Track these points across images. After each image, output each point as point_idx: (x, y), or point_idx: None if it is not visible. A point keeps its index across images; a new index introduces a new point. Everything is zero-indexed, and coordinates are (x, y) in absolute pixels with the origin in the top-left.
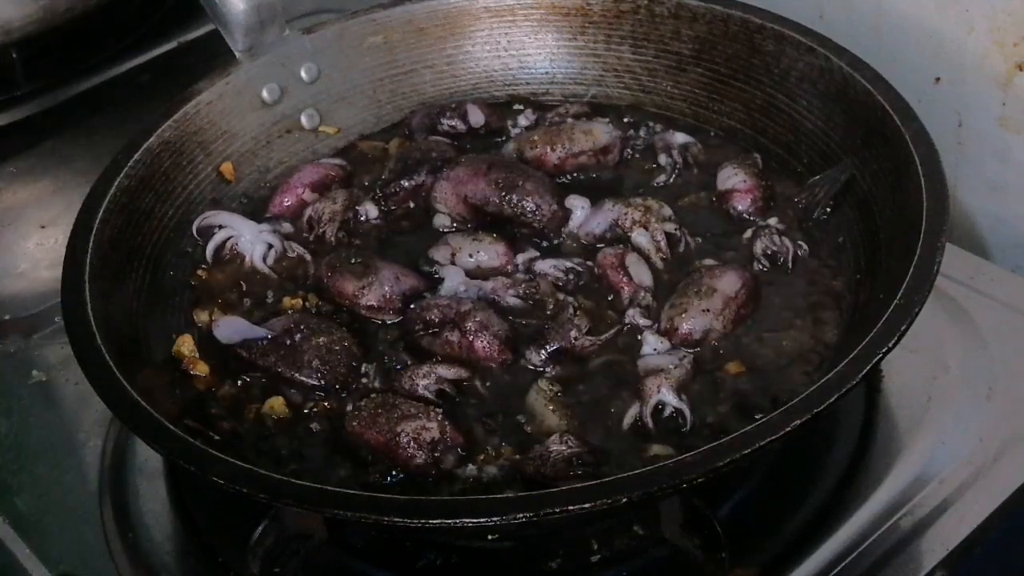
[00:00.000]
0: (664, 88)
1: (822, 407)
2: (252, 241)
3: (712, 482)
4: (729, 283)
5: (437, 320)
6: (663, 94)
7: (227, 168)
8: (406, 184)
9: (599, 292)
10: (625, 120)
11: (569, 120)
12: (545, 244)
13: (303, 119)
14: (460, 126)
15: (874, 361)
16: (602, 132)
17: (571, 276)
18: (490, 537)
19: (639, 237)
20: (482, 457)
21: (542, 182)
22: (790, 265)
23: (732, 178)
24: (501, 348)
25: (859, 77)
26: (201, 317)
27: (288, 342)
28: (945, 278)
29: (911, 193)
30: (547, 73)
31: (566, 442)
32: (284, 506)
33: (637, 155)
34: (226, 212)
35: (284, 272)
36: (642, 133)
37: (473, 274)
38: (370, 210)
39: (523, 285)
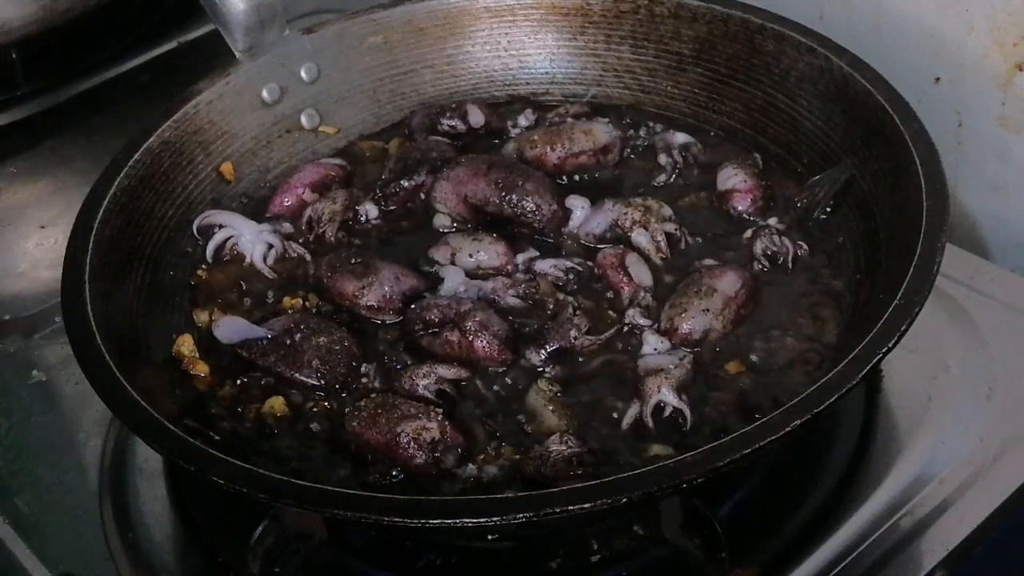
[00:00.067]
0: (664, 88)
1: (822, 407)
2: (252, 241)
3: (712, 482)
4: (729, 283)
5: (437, 320)
6: (663, 94)
7: (227, 168)
8: (406, 184)
9: (599, 292)
10: (625, 120)
11: (569, 120)
12: (545, 244)
13: (303, 119)
14: (460, 126)
15: (874, 361)
16: (602, 132)
17: (571, 276)
18: (490, 537)
19: (639, 237)
20: (482, 457)
21: (542, 182)
22: (790, 265)
23: (732, 178)
24: (501, 348)
25: (859, 77)
26: (201, 317)
27: (288, 342)
28: (945, 278)
29: (911, 193)
30: (547, 73)
31: (566, 442)
32: (284, 506)
33: (637, 155)
34: (226, 212)
35: (284, 272)
36: (642, 133)
37: (473, 274)
38: (370, 210)
39: (523, 285)
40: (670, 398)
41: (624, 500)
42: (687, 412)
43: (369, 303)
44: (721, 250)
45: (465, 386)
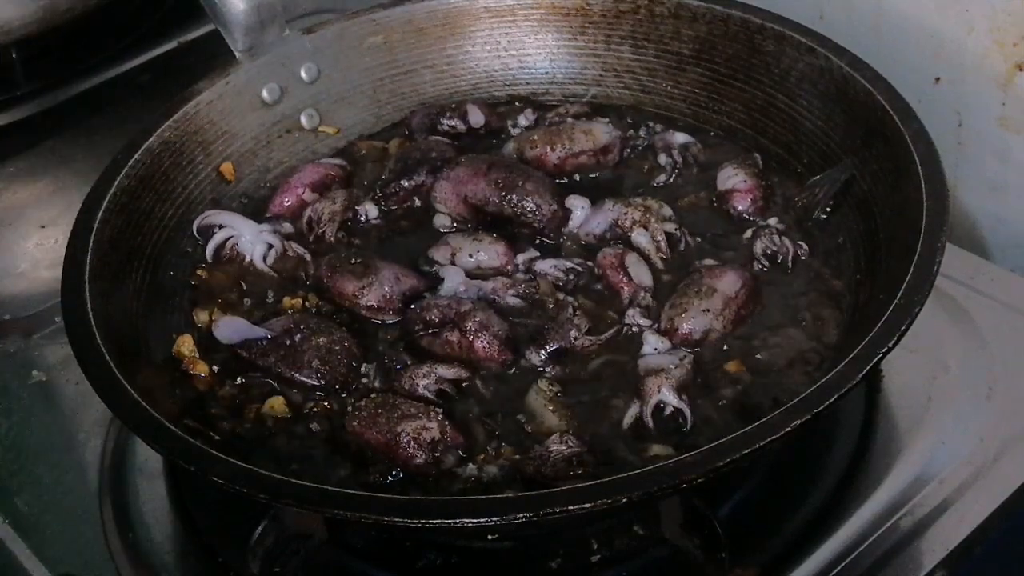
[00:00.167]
0: (664, 88)
1: (822, 407)
2: (252, 241)
3: (712, 482)
4: (729, 283)
5: (437, 320)
6: (663, 94)
7: (227, 168)
8: (406, 184)
9: (599, 292)
10: (625, 120)
11: (569, 120)
12: (545, 244)
13: (303, 119)
14: (460, 126)
15: (874, 361)
16: (602, 132)
17: (571, 276)
18: (490, 537)
19: (639, 237)
20: (482, 457)
21: (542, 182)
22: (790, 265)
23: (732, 178)
24: (501, 348)
25: (859, 77)
26: (201, 317)
27: (288, 342)
28: (945, 278)
29: (911, 193)
30: (547, 73)
31: (566, 442)
32: (284, 506)
33: (637, 155)
34: (226, 212)
35: (284, 272)
36: (642, 133)
37: (473, 274)
38: (370, 210)
39: (523, 285)
40: (670, 398)
41: (624, 500)
42: (687, 412)
43: (369, 303)
44: (721, 250)
45: (465, 386)
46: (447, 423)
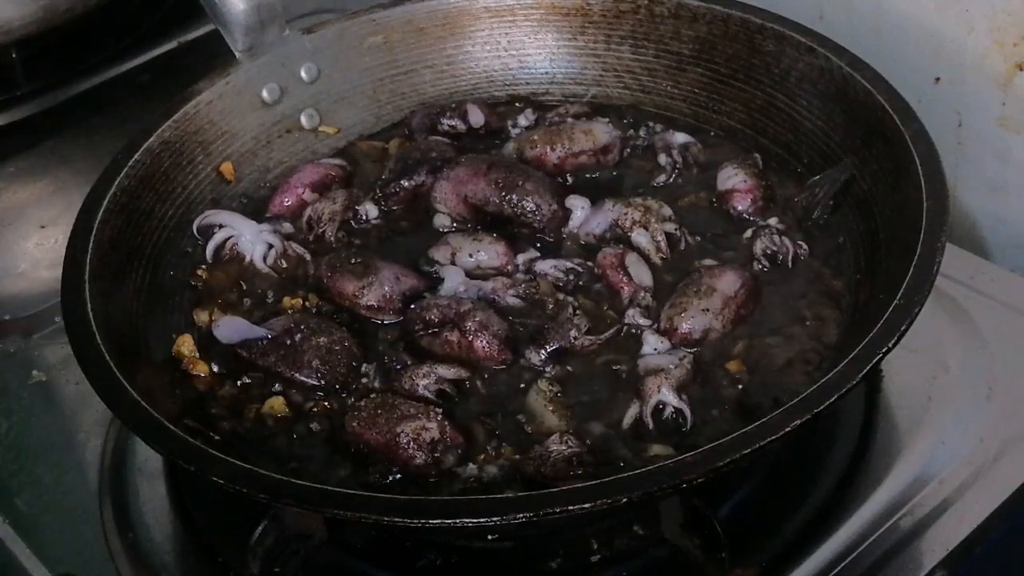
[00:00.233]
0: (664, 88)
1: (822, 407)
2: (252, 241)
3: (712, 482)
4: (729, 283)
5: (437, 320)
6: (663, 94)
7: (227, 168)
8: (406, 184)
9: (599, 292)
10: (625, 120)
11: (569, 120)
12: (545, 244)
13: (303, 119)
14: (460, 126)
15: (874, 361)
16: (602, 132)
17: (571, 276)
18: (490, 537)
19: (639, 237)
20: (482, 457)
21: (542, 182)
22: (790, 265)
23: (732, 178)
24: (501, 348)
25: (859, 77)
26: (201, 317)
27: (288, 342)
28: (945, 278)
29: (911, 193)
30: (547, 73)
31: (566, 442)
32: (284, 506)
33: (637, 155)
34: (226, 212)
35: (284, 272)
36: (642, 133)
37: (473, 274)
38: (370, 210)
39: (523, 285)
40: (670, 398)
41: (624, 500)
42: (687, 412)
43: (369, 303)
44: (721, 250)
45: (465, 386)
46: (447, 423)
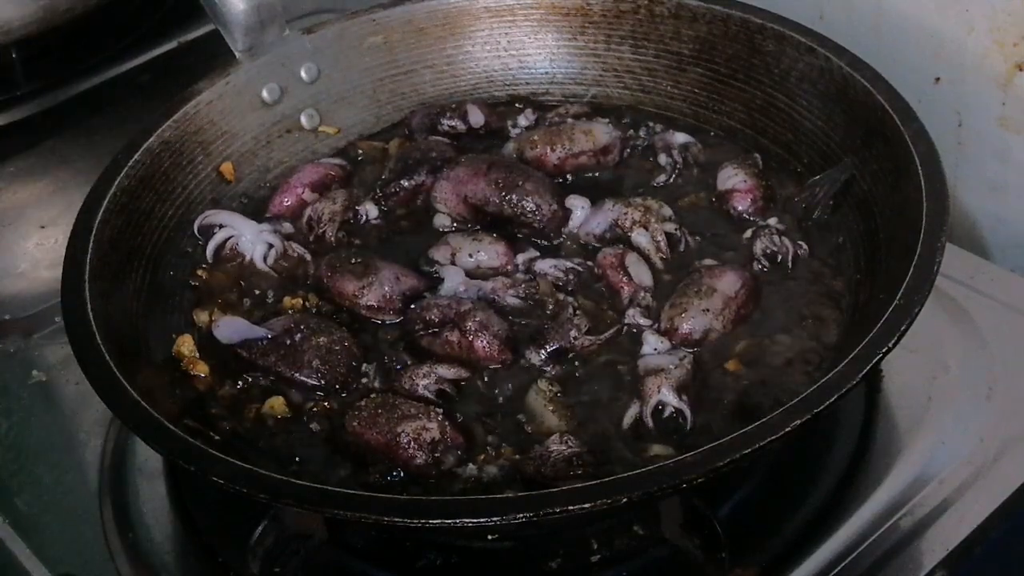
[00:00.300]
0: (664, 88)
1: (822, 407)
2: (252, 241)
3: (712, 482)
4: (729, 283)
5: (437, 320)
6: (663, 94)
7: (227, 168)
8: (406, 184)
9: (599, 292)
10: (625, 120)
11: (569, 120)
12: (545, 244)
13: (303, 119)
14: (460, 126)
15: (874, 361)
16: (602, 132)
17: (571, 276)
18: (490, 537)
19: (639, 237)
20: (482, 457)
21: (542, 182)
22: (790, 265)
23: (732, 178)
24: (501, 348)
25: (859, 77)
26: (201, 317)
27: (288, 342)
28: (945, 278)
29: (911, 193)
30: (547, 73)
31: (566, 442)
32: (284, 506)
33: (637, 155)
34: (226, 212)
35: (284, 272)
36: (642, 133)
37: (473, 274)
38: (370, 210)
39: (523, 285)
40: (670, 398)
41: (624, 500)
42: (687, 412)
43: (369, 303)
44: (721, 250)
45: (465, 386)
46: (447, 423)
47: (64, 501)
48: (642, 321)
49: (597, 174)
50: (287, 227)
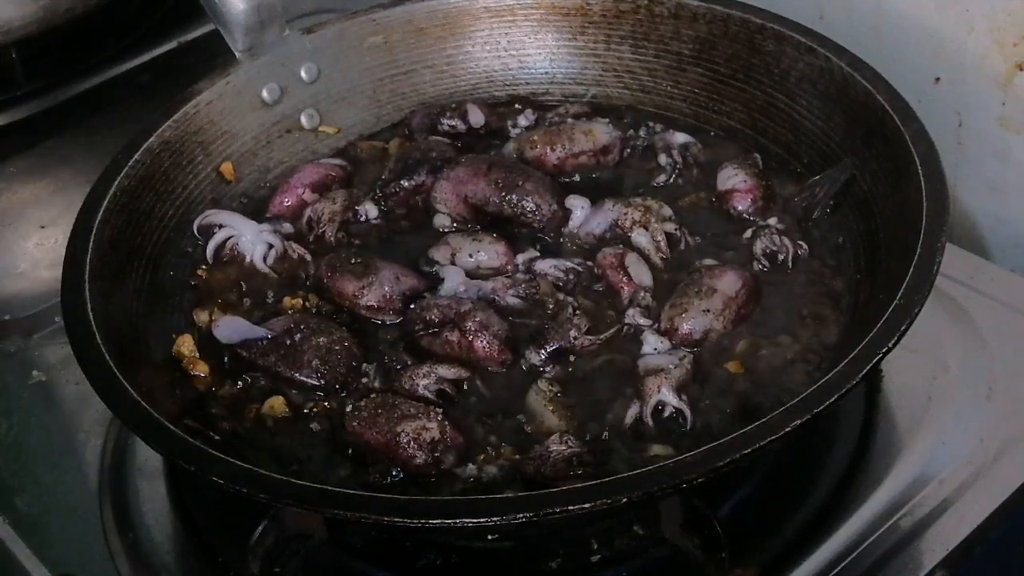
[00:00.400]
0: (664, 88)
1: (822, 407)
2: (252, 241)
3: (712, 482)
4: (729, 283)
5: (437, 320)
6: (663, 94)
7: (227, 168)
8: (406, 184)
9: (599, 292)
10: (625, 120)
11: (569, 120)
12: (545, 244)
13: (303, 119)
14: (460, 126)
15: (874, 361)
16: (602, 132)
17: (571, 276)
18: (490, 537)
19: (639, 237)
20: (482, 457)
21: (542, 182)
22: (790, 265)
23: (732, 178)
24: (501, 348)
25: (859, 77)
26: (201, 317)
27: (288, 342)
28: (945, 278)
29: (911, 193)
30: (547, 73)
31: (566, 442)
32: (284, 506)
33: (637, 155)
34: (226, 212)
35: (284, 272)
36: (642, 133)
37: (473, 274)
38: (370, 210)
39: (523, 285)
40: (670, 398)
41: (624, 500)
42: (687, 412)
43: (369, 303)
44: (721, 250)
45: (465, 386)
46: (447, 423)
47: (64, 501)
48: (642, 321)
49: (597, 174)
50: (287, 227)
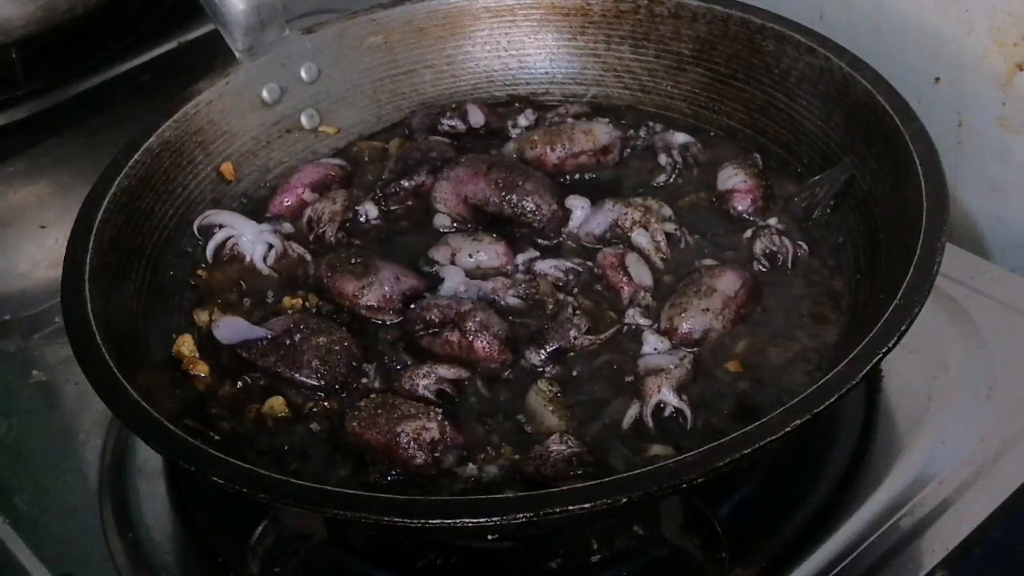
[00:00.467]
0: (664, 88)
1: (822, 407)
2: (252, 241)
3: (712, 482)
4: (729, 283)
5: (437, 320)
6: (663, 94)
7: (227, 168)
8: (406, 184)
9: (599, 292)
10: (625, 120)
11: (569, 120)
12: (545, 244)
13: (303, 119)
14: (460, 126)
15: (874, 361)
16: (602, 132)
17: (571, 276)
18: (490, 537)
19: (639, 237)
20: (482, 457)
21: (542, 182)
22: (790, 265)
23: (732, 178)
24: (501, 348)
25: (859, 77)
26: (201, 317)
27: (288, 342)
28: (945, 278)
29: (911, 193)
30: (547, 73)
31: (566, 442)
32: (284, 506)
33: (637, 155)
34: (226, 212)
35: (284, 272)
36: (642, 133)
37: (473, 274)
38: (370, 210)
39: (523, 285)
40: (670, 398)
41: (624, 500)
42: (687, 412)
43: (369, 303)
44: (721, 250)
45: (465, 386)
46: (447, 423)
47: (64, 501)
48: (642, 321)
49: (597, 174)
50: (287, 227)
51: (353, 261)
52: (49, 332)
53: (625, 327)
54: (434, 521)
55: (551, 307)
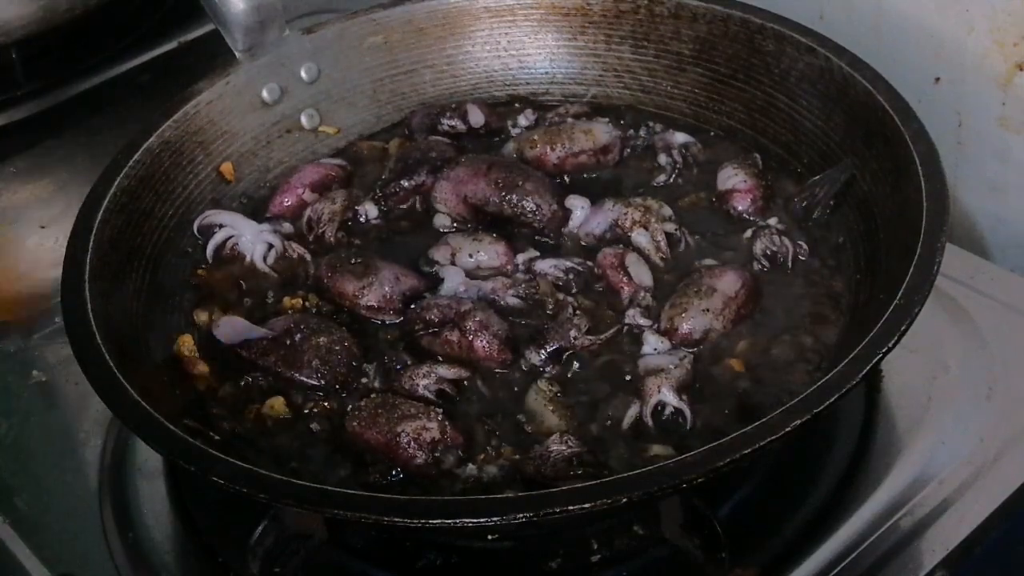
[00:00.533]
0: (664, 88)
1: (822, 407)
2: (252, 241)
3: (712, 482)
4: (729, 283)
5: (437, 320)
6: (663, 94)
7: (227, 168)
8: (406, 184)
9: (599, 292)
10: (625, 120)
11: (569, 120)
12: (545, 244)
13: (303, 119)
14: (460, 126)
15: (874, 361)
16: (602, 132)
17: (571, 276)
18: (490, 537)
19: (639, 237)
20: (482, 457)
21: (542, 182)
22: (790, 265)
23: (732, 178)
24: (501, 348)
25: (859, 77)
26: (201, 317)
27: (288, 342)
28: (945, 278)
29: (911, 193)
30: (547, 73)
31: (566, 442)
32: (284, 506)
33: (637, 155)
34: (226, 212)
35: (284, 272)
36: (642, 133)
37: (473, 274)
38: (370, 210)
39: (523, 285)
40: (670, 398)
41: (624, 500)
42: (687, 412)
43: (369, 303)
44: (721, 250)
45: (465, 386)
46: (447, 423)
47: (64, 501)
48: (642, 321)
49: (597, 174)
50: (287, 227)
51: (353, 261)
52: (49, 332)
53: (625, 327)
54: (434, 521)
55: (551, 307)
